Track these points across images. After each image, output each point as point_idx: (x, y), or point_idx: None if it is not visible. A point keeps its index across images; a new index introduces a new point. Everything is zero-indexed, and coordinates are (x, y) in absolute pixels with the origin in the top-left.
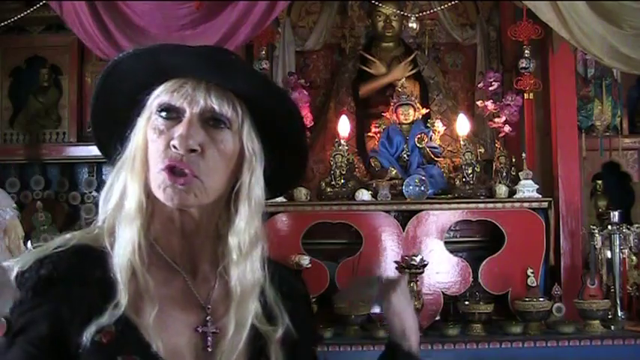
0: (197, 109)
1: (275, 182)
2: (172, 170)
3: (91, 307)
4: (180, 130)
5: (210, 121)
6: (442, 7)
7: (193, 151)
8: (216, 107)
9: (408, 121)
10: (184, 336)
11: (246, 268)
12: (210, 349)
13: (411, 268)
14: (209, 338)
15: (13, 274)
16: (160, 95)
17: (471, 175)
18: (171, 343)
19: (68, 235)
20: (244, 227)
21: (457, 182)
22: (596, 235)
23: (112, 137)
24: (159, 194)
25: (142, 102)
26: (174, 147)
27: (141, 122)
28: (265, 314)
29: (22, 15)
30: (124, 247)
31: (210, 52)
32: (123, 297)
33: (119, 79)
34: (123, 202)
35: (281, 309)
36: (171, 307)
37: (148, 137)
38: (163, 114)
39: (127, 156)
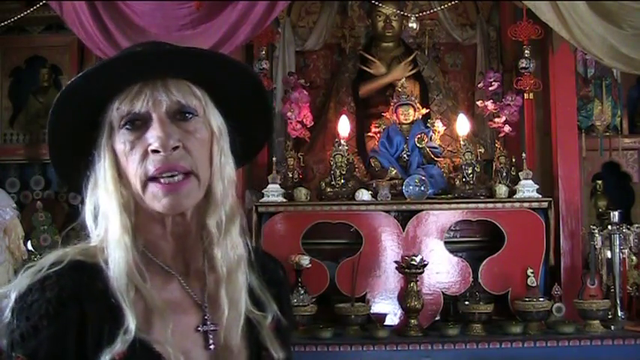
0: (163, 108)
1: (242, 151)
2: (161, 178)
3: (103, 321)
4: (155, 132)
5: (178, 115)
6: (442, 7)
7: (175, 148)
8: (181, 100)
9: (408, 121)
10: (189, 338)
11: (227, 245)
12: (212, 347)
13: (411, 268)
14: (210, 336)
15: (10, 301)
16: (119, 108)
17: (471, 175)
18: (179, 348)
19: (60, 252)
20: (220, 206)
21: (457, 182)
22: (596, 235)
23: (78, 167)
24: (155, 206)
25: (101, 122)
26: (155, 151)
27: (103, 141)
28: (253, 301)
29: (22, 15)
30: (119, 268)
31: (148, 50)
32: (131, 321)
33: (72, 109)
34: (106, 224)
35: (267, 296)
36: (173, 311)
37: (119, 153)
38: (129, 125)
39: (98, 178)
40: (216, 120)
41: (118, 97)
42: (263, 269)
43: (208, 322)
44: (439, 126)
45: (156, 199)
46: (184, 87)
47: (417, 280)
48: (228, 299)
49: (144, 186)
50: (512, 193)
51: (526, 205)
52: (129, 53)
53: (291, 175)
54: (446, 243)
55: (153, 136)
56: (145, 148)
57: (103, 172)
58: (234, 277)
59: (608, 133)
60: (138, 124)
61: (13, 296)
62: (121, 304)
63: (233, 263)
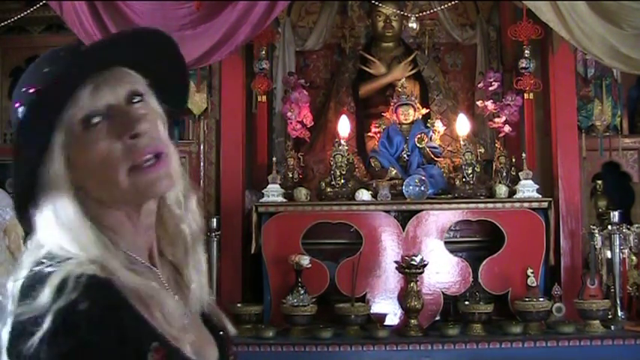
0: (122, 97)
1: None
2: (146, 161)
3: (137, 329)
4: (128, 119)
5: (130, 100)
6: (442, 7)
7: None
8: (132, 86)
9: (408, 121)
10: (191, 326)
11: (190, 218)
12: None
13: (411, 268)
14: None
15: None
16: (79, 111)
17: (471, 175)
18: (184, 340)
19: (68, 268)
20: (177, 181)
21: (457, 182)
22: (596, 235)
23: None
24: (150, 192)
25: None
26: (135, 135)
27: (56, 146)
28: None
29: (22, 15)
30: (123, 278)
31: (80, 48)
32: (156, 327)
33: (39, 124)
34: (68, 235)
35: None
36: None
37: (86, 155)
38: (96, 120)
39: (50, 189)
40: (153, 98)
41: (72, 100)
42: None
43: (186, 310)
44: (439, 126)
45: (150, 184)
46: (126, 73)
47: (417, 280)
48: (195, 272)
49: (127, 175)
50: (512, 193)
51: (526, 205)
52: (71, 61)
53: (291, 175)
54: (446, 243)
55: (128, 122)
56: (118, 137)
57: (54, 180)
58: (199, 248)
59: (608, 133)
60: (99, 119)
61: (49, 318)
62: (139, 313)
63: (195, 234)
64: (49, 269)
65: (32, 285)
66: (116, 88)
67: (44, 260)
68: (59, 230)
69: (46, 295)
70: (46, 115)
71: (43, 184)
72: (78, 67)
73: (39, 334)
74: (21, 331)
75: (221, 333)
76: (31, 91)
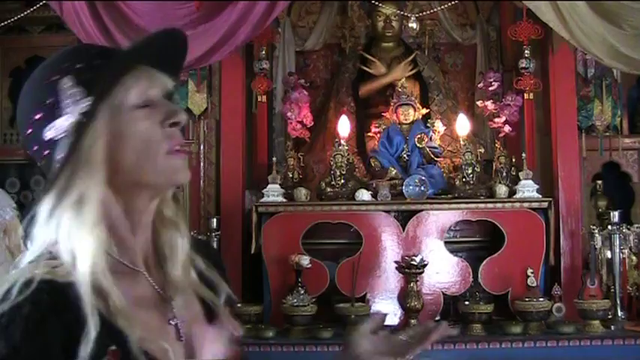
0: (163, 91)
1: None
2: (179, 148)
3: (82, 332)
4: (172, 107)
5: (167, 96)
6: (442, 7)
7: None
8: (169, 85)
9: (408, 121)
10: (166, 333)
11: (182, 230)
12: (183, 339)
13: (411, 268)
14: (180, 328)
15: None
16: (131, 93)
17: (471, 175)
18: (159, 345)
19: (27, 271)
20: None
21: (457, 182)
22: (596, 235)
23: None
24: (176, 178)
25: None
26: (175, 123)
27: (101, 121)
28: (205, 284)
29: (22, 15)
30: (85, 278)
31: (169, 38)
32: (92, 329)
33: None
34: (81, 215)
35: (217, 276)
36: (146, 308)
37: (135, 133)
38: (143, 104)
39: (81, 160)
40: None
41: (129, 78)
42: (206, 253)
43: (177, 315)
44: (439, 126)
45: (178, 170)
46: (162, 74)
47: (417, 280)
48: (188, 282)
49: (164, 158)
50: (512, 193)
51: (526, 205)
52: (153, 40)
53: (291, 175)
54: (446, 243)
55: (173, 109)
56: (160, 122)
57: (89, 155)
58: (189, 260)
59: (608, 133)
60: (143, 104)
61: None
62: (86, 313)
63: (187, 246)
64: (20, 270)
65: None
66: (164, 82)
67: (34, 260)
68: (66, 225)
69: None
70: (97, 91)
71: (75, 161)
72: (137, 53)
73: None
74: None
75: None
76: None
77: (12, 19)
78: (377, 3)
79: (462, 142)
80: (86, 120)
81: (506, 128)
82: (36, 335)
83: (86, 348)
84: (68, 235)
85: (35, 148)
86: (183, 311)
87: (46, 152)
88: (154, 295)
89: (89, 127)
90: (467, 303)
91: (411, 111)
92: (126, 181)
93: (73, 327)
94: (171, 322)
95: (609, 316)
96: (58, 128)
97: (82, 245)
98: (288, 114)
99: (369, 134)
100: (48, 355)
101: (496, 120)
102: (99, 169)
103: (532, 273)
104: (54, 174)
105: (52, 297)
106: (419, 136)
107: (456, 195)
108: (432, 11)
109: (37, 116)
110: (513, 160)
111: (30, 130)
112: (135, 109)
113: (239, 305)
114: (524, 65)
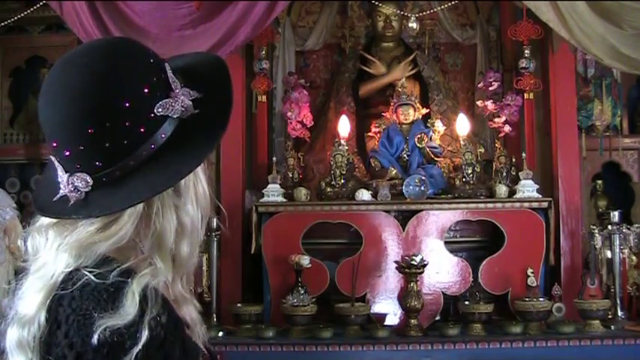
0: None
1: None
2: None
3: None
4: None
5: None
6: (442, 7)
7: None
8: None
9: (408, 121)
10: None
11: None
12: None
13: (411, 268)
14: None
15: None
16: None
17: (471, 175)
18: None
19: (145, 280)
20: None
21: (457, 182)
22: (596, 235)
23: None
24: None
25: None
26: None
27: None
28: None
29: (22, 15)
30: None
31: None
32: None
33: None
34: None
35: None
36: None
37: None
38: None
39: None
40: None
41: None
42: None
43: None
44: (439, 126)
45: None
46: None
47: (417, 280)
48: None
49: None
50: (512, 193)
51: (526, 205)
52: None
53: (291, 175)
54: (446, 243)
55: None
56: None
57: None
58: None
59: (608, 133)
60: None
61: (145, 330)
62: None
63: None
64: (120, 278)
65: (105, 293)
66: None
67: (102, 265)
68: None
69: (131, 306)
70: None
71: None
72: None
73: (137, 349)
74: (118, 345)
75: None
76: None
77: (12, 19)
78: (377, 3)
79: (462, 142)
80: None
81: (506, 128)
82: (181, 342)
83: (198, 352)
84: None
85: (128, 124)
86: None
87: (146, 129)
88: None
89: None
90: (467, 303)
91: (411, 111)
92: None
93: (185, 339)
94: None
95: (609, 316)
96: (173, 106)
97: (180, 249)
98: (288, 114)
99: (369, 134)
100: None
101: (496, 120)
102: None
103: (532, 273)
104: (149, 153)
105: (173, 308)
106: (419, 136)
107: (456, 195)
108: (432, 11)
109: (146, 90)
110: (513, 160)
111: (129, 105)
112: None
113: (239, 305)
114: (524, 65)
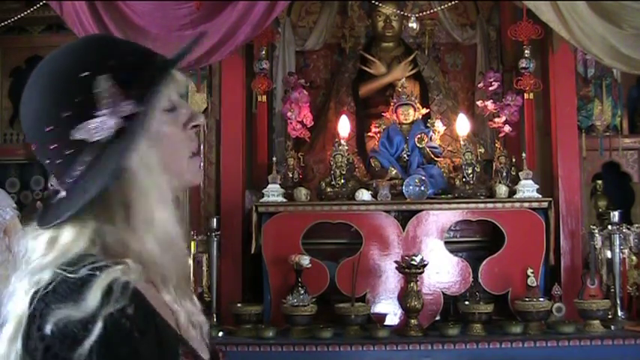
0: (181, 93)
1: None
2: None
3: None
4: (190, 112)
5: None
6: (442, 7)
7: None
8: (187, 85)
9: (408, 121)
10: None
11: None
12: (208, 347)
13: (411, 268)
14: (203, 335)
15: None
16: (167, 93)
17: (471, 175)
18: (202, 350)
19: (116, 272)
20: None
21: (457, 182)
22: (596, 235)
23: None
24: (195, 179)
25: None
26: (196, 126)
27: (145, 126)
28: None
29: (22, 15)
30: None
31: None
32: (177, 330)
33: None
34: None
35: None
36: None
37: (162, 135)
38: (169, 108)
39: (134, 166)
40: None
41: (163, 83)
42: None
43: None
44: (439, 126)
45: (198, 172)
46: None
47: (417, 280)
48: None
49: (188, 160)
50: (512, 193)
51: (526, 205)
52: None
53: (291, 175)
54: (446, 243)
55: (195, 114)
56: (184, 129)
57: (149, 162)
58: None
59: (608, 133)
60: (170, 108)
61: (100, 323)
62: (166, 320)
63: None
64: (90, 272)
65: (73, 287)
66: (182, 84)
67: (77, 262)
68: (139, 234)
69: (93, 299)
70: (142, 96)
71: (131, 172)
72: (177, 61)
73: (90, 341)
74: (70, 336)
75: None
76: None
77: (12, 19)
78: (377, 3)
79: (462, 142)
80: (134, 125)
81: (506, 128)
82: (146, 337)
83: (175, 346)
84: (123, 239)
85: (54, 146)
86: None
87: (69, 152)
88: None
89: (138, 133)
90: (467, 303)
91: (411, 111)
92: None
93: (161, 330)
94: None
95: (609, 316)
96: (91, 130)
97: (143, 248)
98: (288, 114)
99: (369, 134)
100: (153, 358)
101: (496, 120)
102: (159, 172)
103: (532, 273)
104: (76, 176)
105: (146, 300)
106: (419, 136)
107: (456, 195)
108: (432, 11)
109: (66, 114)
110: (513, 160)
111: (52, 128)
112: (164, 113)
113: (239, 305)
114: (524, 65)
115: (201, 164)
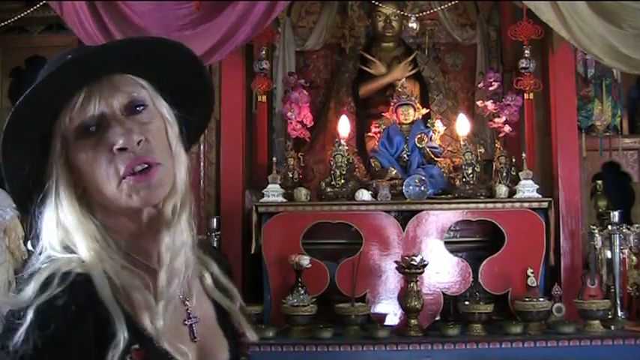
0: (116, 106)
1: (187, 134)
2: (134, 172)
3: (115, 327)
4: (117, 130)
5: (130, 109)
6: (442, 7)
7: (140, 142)
8: (131, 93)
9: (408, 121)
10: (181, 333)
11: (177, 230)
12: (197, 339)
13: (411, 268)
14: (194, 328)
15: (25, 317)
16: (72, 118)
17: (471, 175)
18: (178, 346)
19: (56, 264)
20: (179, 192)
21: (457, 182)
22: (596, 235)
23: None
24: (132, 202)
25: (50, 138)
26: (122, 149)
27: (55, 156)
28: (220, 289)
29: (22, 15)
30: (102, 279)
31: (87, 52)
32: (119, 330)
33: (26, 126)
34: (71, 239)
35: (229, 282)
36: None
37: (81, 165)
38: (85, 134)
39: (49, 196)
40: (164, 107)
41: (66, 107)
42: (218, 259)
43: (192, 315)
44: (439, 126)
45: (133, 193)
46: (129, 80)
47: (417, 280)
48: (197, 285)
49: (117, 186)
50: (512, 193)
51: (526, 205)
52: (68, 60)
53: (291, 175)
54: (446, 243)
55: (116, 134)
56: (109, 149)
57: (55, 190)
58: (201, 263)
59: (608, 133)
60: (93, 129)
61: (31, 312)
62: (111, 313)
63: (177, 249)
64: (42, 266)
65: (23, 280)
66: (112, 97)
67: (45, 261)
68: (57, 231)
69: (30, 289)
70: (39, 118)
71: (46, 184)
72: (71, 73)
73: (22, 329)
74: (7, 326)
75: (238, 338)
76: (27, 91)
77: (12, 19)
78: (377, 3)
79: (462, 142)
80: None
81: (506, 128)
82: (74, 328)
83: (117, 348)
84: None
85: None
86: (197, 312)
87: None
88: None
89: (52, 160)
90: (467, 303)
91: (411, 111)
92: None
93: (103, 323)
94: (185, 322)
95: (609, 316)
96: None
97: (83, 245)
98: (288, 114)
99: (369, 134)
100: (83, 349)
101: (496, 120)
102: (67, 195)
103: (532, 273)
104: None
105: (88, 291)
106: (419, 136)
107: (456, 195)
108: (432, 11)
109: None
110: (513, 160)
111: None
112: (76, 140)
113: None
114: (524, 65)
115: (158, 177)
